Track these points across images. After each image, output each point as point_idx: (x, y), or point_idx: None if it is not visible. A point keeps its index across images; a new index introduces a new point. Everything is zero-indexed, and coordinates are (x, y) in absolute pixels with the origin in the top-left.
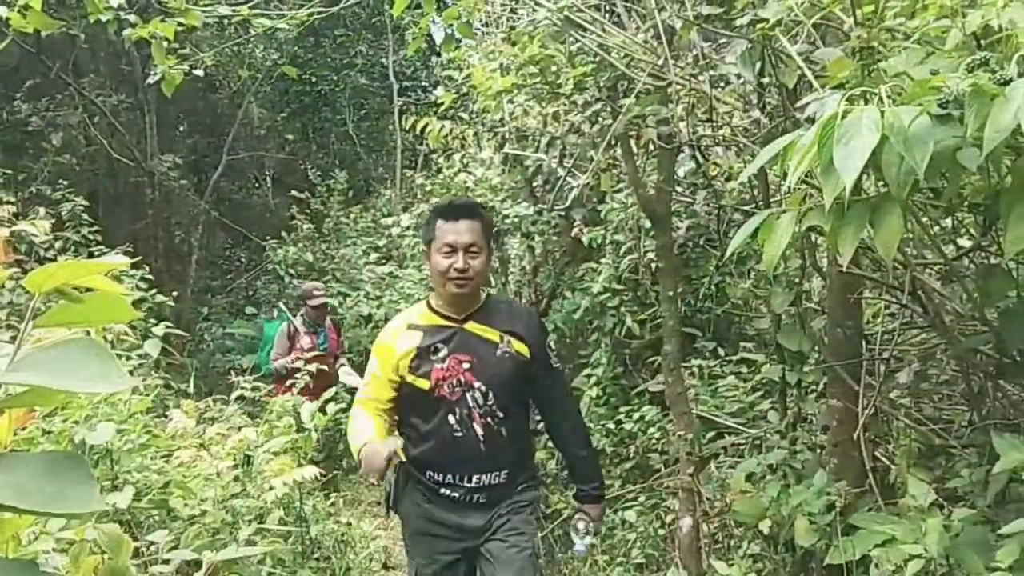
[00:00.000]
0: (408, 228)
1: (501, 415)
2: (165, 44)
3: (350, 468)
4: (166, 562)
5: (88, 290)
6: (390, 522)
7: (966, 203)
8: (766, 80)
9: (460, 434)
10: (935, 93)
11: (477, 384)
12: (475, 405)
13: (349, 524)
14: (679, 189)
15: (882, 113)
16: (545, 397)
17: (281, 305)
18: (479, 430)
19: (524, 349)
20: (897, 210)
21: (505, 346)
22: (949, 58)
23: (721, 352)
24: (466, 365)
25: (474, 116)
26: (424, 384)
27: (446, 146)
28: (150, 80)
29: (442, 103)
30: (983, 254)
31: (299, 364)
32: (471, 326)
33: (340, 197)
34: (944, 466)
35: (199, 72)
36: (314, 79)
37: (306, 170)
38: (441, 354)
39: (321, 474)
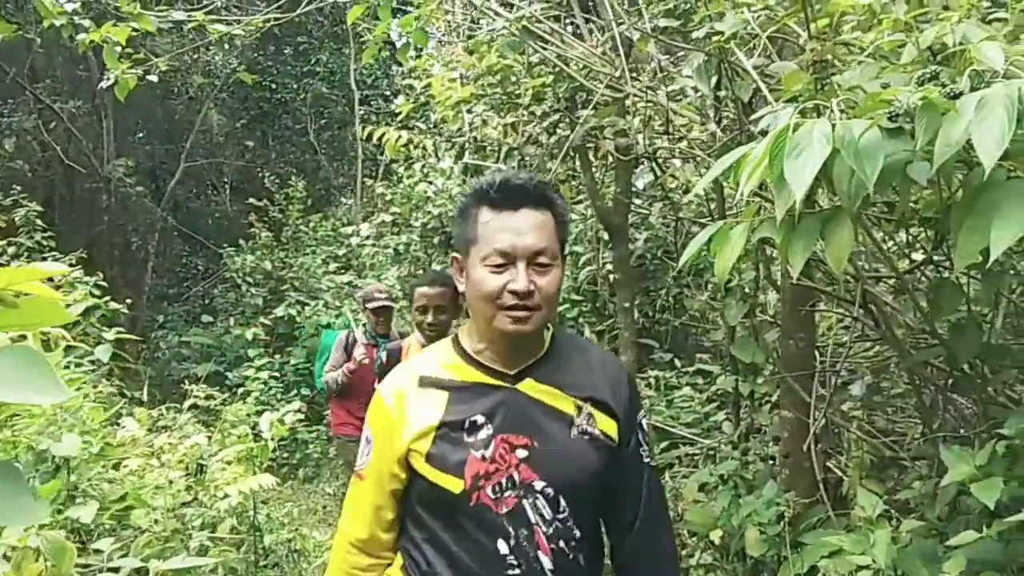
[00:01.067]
0: (368, 237)
1: (578, 534)
2: (120, 49)
3: (305, 477)
4: (113, 570)
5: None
6: None
7: (918, 217)
8: (722, 93)
9: (517, 572)
10: (886, 106)
11: (540, 485)
12: (539, 521)
13: (301, 533)
14: (637, 201)
15: (833, 126)
16: (625, 504)
17: (347, 311)
18: (546, 562)
19: (612, 427)
20: (848, 223)
21: (584, 421)
22: (905, 72)
23: (678, 363)
24: (521, 453)
25: (431, 126)
26: (453, 485)
27: (408, 155)
28: (103, 85)
29: (400, 112)
30: (935, 268)
31: (348, 371)
32: (529, 387)
33: (299, 205)
34: (896, 478)
35: (152, 78)
36: (274, 86)
37: (263, 178)
38: (482, 434)
39: (277, 483)
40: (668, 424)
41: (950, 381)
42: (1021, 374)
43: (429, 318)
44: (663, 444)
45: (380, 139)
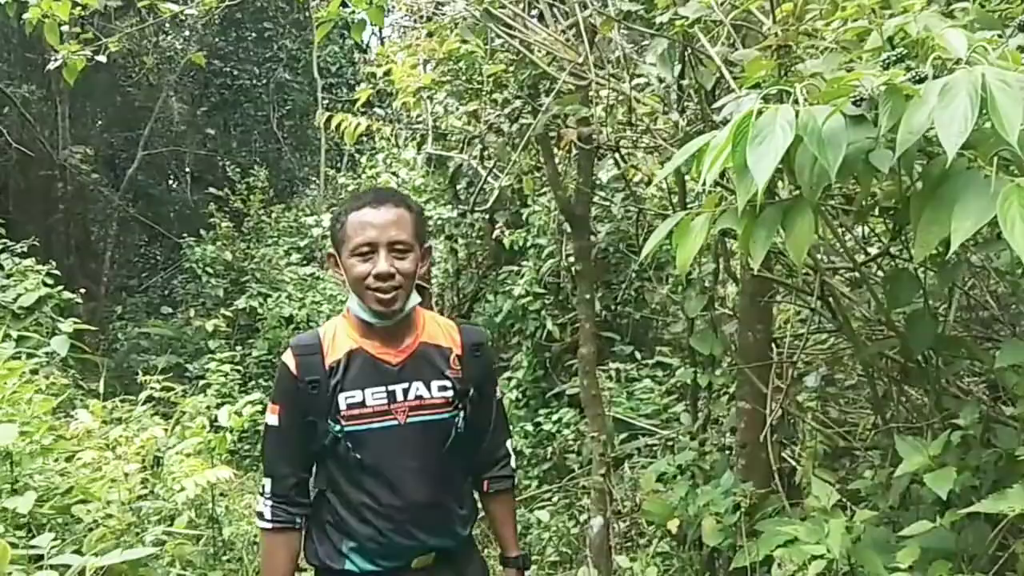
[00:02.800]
0: None
1: None
2: (67, 29)
3: None
4: (55, 567)
5: None
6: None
7: (877, 207)
8: (686, 82)
9: None
10: (850, 91)
11: None
12: None
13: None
14: (601, 193)
15: (797, 113)
16: None
17: None
18: None
19: None
20: (808, 213)
21: None
22: (871, 60)
23: (638, 356)
24: None
25: (391, 113)
26: None
27: (372, 146)
28: (50, 67)
29: (357, 99)
30: (892, 260)
31: None
32: None
33: (261, 196)
34: (848, 467)
35: (101, 58)
36: (236, 72)
37: (224, 167)
38: None
39: (235, 474)
40: (628, 415)
41: (904, 372)
42: (972, 366)
43: (381, 265)
44: (623, 435)
45: (337, 127)
